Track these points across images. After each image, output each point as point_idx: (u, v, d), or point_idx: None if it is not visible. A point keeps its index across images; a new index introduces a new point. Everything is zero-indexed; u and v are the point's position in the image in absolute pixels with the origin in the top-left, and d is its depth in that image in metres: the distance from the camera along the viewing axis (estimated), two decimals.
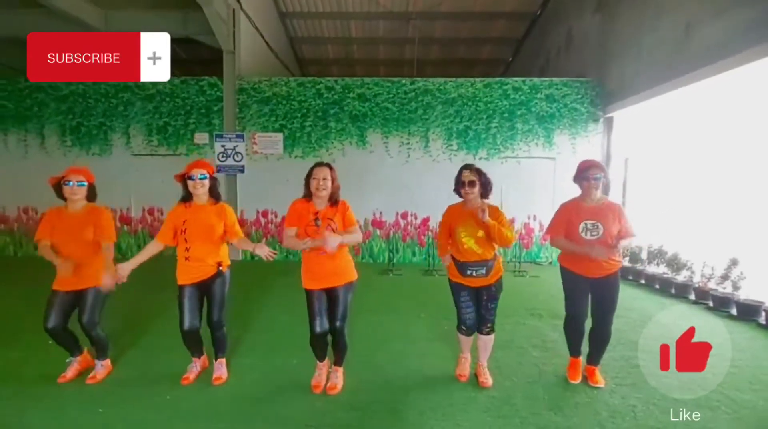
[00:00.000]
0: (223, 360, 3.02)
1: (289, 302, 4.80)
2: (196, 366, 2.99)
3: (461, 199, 2.90)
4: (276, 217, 7.90)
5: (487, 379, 2.90)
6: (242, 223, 7.86)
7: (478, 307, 2.85)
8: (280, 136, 7.75)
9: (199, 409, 2.56)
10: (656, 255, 6.15)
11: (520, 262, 7.34)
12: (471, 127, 7.80)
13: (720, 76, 4.87)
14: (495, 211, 2.73)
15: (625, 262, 6.75)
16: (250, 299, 5.08)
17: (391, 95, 7.78)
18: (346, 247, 2.73)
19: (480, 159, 7.81)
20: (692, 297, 5.31)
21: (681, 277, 5.67)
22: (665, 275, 5.86)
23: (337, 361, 2.88)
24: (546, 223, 7.56)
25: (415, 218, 7.92)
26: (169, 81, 7.70)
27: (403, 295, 5.51)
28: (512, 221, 7.83)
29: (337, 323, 2.65)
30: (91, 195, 2.88)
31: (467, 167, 2.81)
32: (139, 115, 7.76)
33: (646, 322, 4.36)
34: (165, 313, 4.22)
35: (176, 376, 2.92)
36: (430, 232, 7.81)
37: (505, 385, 2.89)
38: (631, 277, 6.48)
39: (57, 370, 2.92)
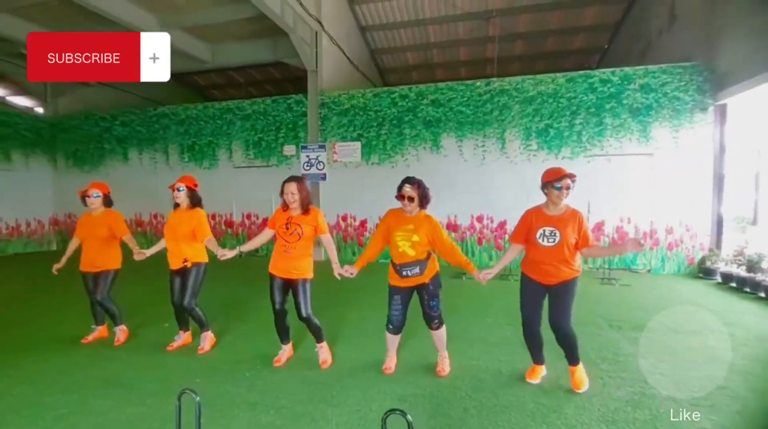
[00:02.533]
0: (207, 333, 3.68)
1: (365, 300, 5.11)
2: (180, 337, 3.73)
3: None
4: (355, 220, 8.39)
5: (444, 368, 3.12)
6: None
7: (421, 306, 3.03)
8: (358, 144, 8.23)
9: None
10: None
11: (610, 269, 6.76)
12: (552, 125, 7.41)
13: None
14: (435, 226, 2.91)
15: (741, 272, 5.83)
16: (330, 296, 5.47)
17: (465, 98, 7.76)
18: (308, 251, 3.19)
19: (563, 158, 7.38)
20: None
21: None
22: None
23: (317, 339, 3.31)
24: (642, 226, 6.92)
25: (492, 221, 7.76)
26: (262, 101, 8.77)
27: (471, 299, 5.48)
28: (602, 224, 7.23)
29: (303, 312, 3.12)
30: (107, 202, 3.80)
31: (408, 181, 2.90)
32: (239, 133, 8.90)
33: (750, 340, 3.77)
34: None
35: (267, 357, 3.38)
36: (507, 236, 7.58)
37: (557, 395, 2.79)
38: (748, 290, 5.57)
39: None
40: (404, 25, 11.59)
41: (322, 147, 8.29)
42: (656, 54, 8.66)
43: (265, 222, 8.92)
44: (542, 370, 3.02)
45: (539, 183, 2.84)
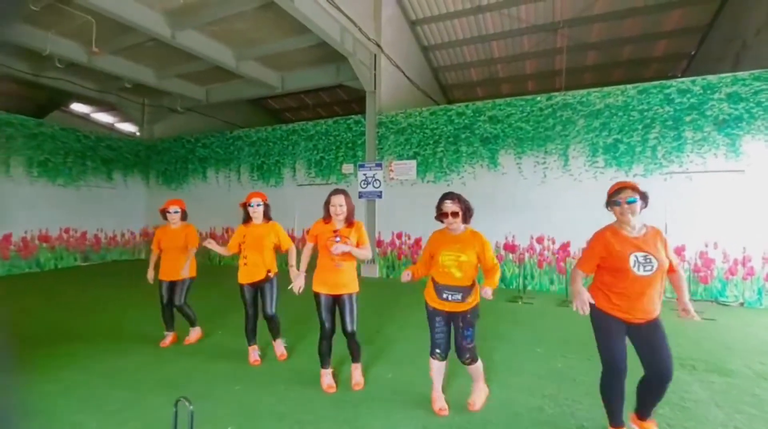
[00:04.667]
0: (279, 341, 3.91)
1: (412, 319, 5.07)
2: (255, 352, 3.81)
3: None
4: (409, 238, 8.38)
5: (476, 401, 2.89)
6: (379, 244, 8.62)
7: (455, 335, 2.81)
8: (413, 162, 8.28)
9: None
10: None
11: (693, 300, 5.96)
12: (621, 140, 6.85)
13: None
14: (484, 243, 2.74)
15: None
16: (379, 314, 5.53)
17: (524, 114, 7.49)
18: (354, 264, 3.21)
19: (635, 175, 6.76)
20: None
21: None
22: None
23: (355, 359, 3.30)
24: (732, 252, 6.07)
25: (553, 243, 7.29)
26: (324, 122, 9.23)
27: (525, 325, 5.16)
28: (682, 249, 6.47)
29: (349, 327, 3.13)
30: (184, 217, 4.24)
31: (449, 197, 2.77)
32: (303, 152, 9.44)
33: None
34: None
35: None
36: (572, 259, 7.06)
37: None
38: None
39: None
40: (467, 43, 11.54)
41: (378, 165, 8.47)
42: (753, 56, 7.68)
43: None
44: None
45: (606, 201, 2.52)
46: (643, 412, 2.52)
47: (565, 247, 7.17)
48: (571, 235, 7.04)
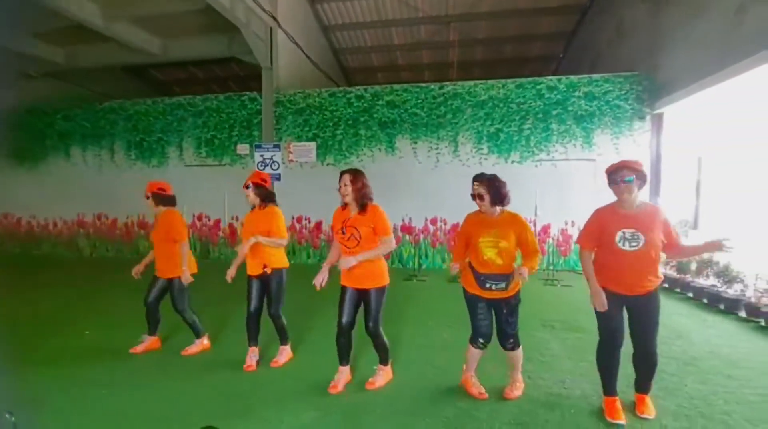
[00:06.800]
0: (285, 347, 3.45)
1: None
2: (254, 354, 3.37)
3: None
4: (309, 222, 8.29)
5: (513, 391, 2.83)
6: None
7: (498, 321, 2.74)
8: (313, 145, 8.13)
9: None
10: (706, 265, 5.51)
11: (554, 271, 6.97)
12: (502, 129, 7.57)
13: None
14: (524, 226, 2.64)
15: (673, 273, 6.14)
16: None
17: (419, 101, 7.82)
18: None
19: (512, 162, 7.56)
20: (743, 314, 4.70)
21: (732, 291, 5.03)
22: (715, 288, 5.24)
23: (382, 360, 3.02)
24: None
25: (445, 224, 7.85)
26: (215, 97, 8.52)
27: (419, 301, 5.51)
28: (548, 227, 7.47)
29: (370, 324, 2.82)
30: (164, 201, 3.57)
31: (475, 178, 2.73)
32: (191, 130, 8.61)
33: (672, 339, 3.96)
34: None
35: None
36: None
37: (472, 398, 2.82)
38: (678, 290, 5.87)
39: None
40: (367, 26, 11.56)
41: (276, 146, 8.13)
42: (605, 64, 9.02)
43: (217, 223, 8.67)
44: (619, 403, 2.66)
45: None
46: (639, 386, 2.69)
47: (455, 227, 7.76)
48: (461, 217, 7.53)
